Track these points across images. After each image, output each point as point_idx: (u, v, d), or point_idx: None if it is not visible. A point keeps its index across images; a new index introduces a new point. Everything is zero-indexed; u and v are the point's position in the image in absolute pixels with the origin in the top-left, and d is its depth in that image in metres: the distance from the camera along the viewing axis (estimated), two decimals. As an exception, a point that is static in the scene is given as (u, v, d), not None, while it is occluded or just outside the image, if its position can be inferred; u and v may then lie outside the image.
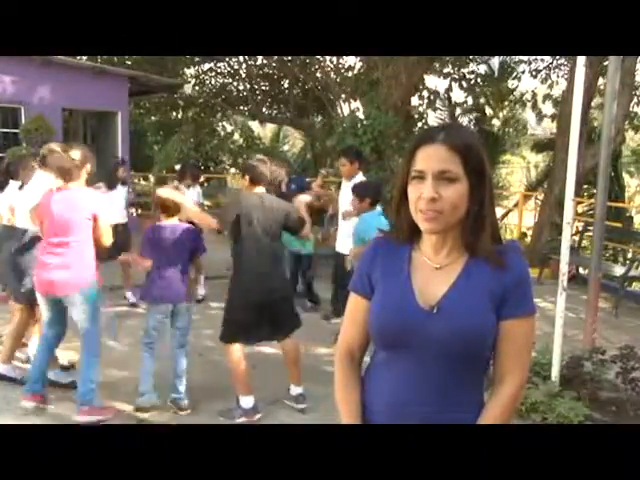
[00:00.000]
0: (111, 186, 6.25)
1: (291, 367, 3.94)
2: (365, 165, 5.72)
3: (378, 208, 4.44)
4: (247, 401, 3.73)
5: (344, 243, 5.17)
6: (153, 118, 16.11)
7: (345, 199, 5.14)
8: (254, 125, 17.54)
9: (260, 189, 3.81)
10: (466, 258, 1.38)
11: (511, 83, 14.19)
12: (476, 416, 1.38)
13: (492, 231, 1.37)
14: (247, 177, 3.82)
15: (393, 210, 1.45)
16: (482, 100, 14.34)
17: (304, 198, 5.49)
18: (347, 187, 5.08)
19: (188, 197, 4.33)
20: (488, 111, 14.38)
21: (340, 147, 7.96)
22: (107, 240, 3.70)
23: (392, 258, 1.45)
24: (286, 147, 17.35)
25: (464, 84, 13.74)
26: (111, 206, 5.80)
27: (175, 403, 3.85)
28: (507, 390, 1.37)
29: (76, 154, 3.62)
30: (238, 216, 3.64)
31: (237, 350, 3.74)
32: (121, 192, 6.41)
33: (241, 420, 3.72)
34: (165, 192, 3.86)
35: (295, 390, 3.95)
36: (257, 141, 16.51)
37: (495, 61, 13.99)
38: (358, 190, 4.51)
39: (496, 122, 14.47)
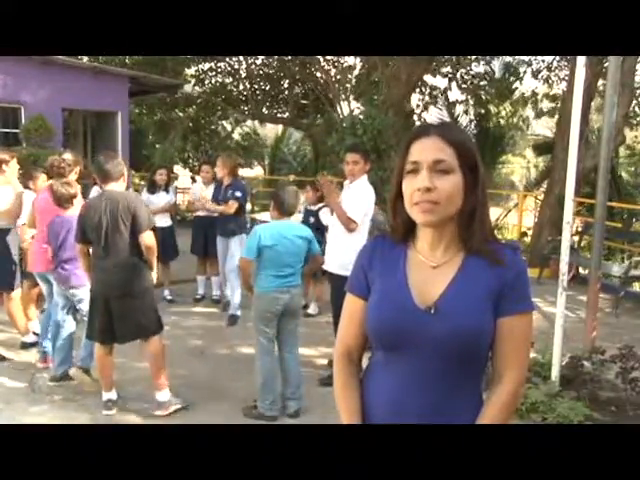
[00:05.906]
0: (152, 190, 6.35)
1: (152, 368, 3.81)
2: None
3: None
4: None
5: (335, 259, 4.17)
6: (154, 118, 16.08)
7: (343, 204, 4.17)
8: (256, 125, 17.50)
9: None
10: (463, 256, 1.38)
11: (512, 83, 14.15)
12: (475, 415, 1.37)
13: (485, 228, 1.37)
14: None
15: (389, 208, 1.44)
16: (483, 99, 14.30)
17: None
18: (348, 190, 4.25)
19: None
20: (489, 110, 14.34)
21: (339, 147, 7.94)
22: None
23: (389, 257, 1.44)
24: (287, 148, 17.30)
25: (461, 83, 13.72)
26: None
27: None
28: (506, 388, 1.36)
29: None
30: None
31: (99, 348, 3.78)
32: (161, 197, 6.39)
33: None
34: None
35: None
36: (256, 138, 16.49)
37: (496, 62, 13.95)
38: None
39: (497, 122, 14.42)
